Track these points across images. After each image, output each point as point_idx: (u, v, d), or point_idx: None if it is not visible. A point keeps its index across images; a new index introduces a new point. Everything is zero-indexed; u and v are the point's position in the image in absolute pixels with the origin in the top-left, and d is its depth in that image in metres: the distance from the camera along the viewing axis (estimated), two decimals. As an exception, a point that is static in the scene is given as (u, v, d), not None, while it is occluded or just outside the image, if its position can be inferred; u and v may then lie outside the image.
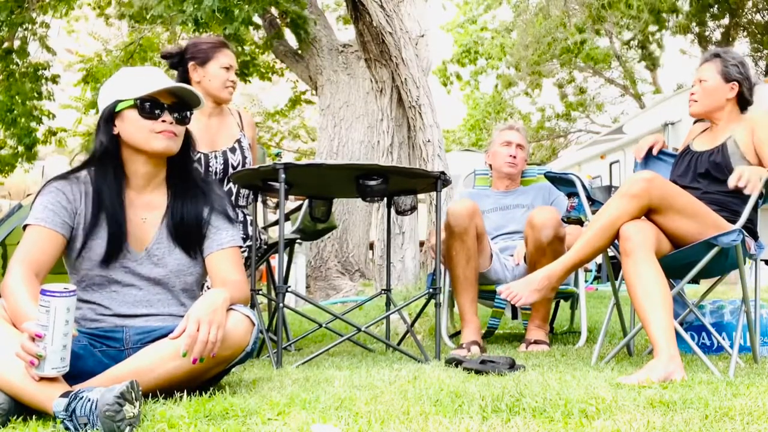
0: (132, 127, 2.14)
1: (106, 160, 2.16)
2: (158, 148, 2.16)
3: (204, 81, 3.26)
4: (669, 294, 2.51)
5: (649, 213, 2.64)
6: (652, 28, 14.18)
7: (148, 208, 2.22)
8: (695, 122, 3.16)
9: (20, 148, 10.39)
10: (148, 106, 2.13)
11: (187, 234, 2.22)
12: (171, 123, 2.16)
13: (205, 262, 2.25)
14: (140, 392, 1.70)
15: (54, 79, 9.87)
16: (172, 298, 2.21)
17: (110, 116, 2.16)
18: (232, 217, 2.30)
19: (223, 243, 2.25)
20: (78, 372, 1.91)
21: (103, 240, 2.14)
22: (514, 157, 3.85)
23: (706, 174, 2.90)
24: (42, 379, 1.74)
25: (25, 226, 2.11)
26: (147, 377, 1.91)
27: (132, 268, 2.18)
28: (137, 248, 2.19)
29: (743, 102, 2.99)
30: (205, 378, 2.05)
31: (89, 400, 1.65)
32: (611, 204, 2.64)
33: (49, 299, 1.72)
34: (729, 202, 2.78)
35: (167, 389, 1.97)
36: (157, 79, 2.18)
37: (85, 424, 1.63)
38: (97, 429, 1.62)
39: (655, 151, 3.21)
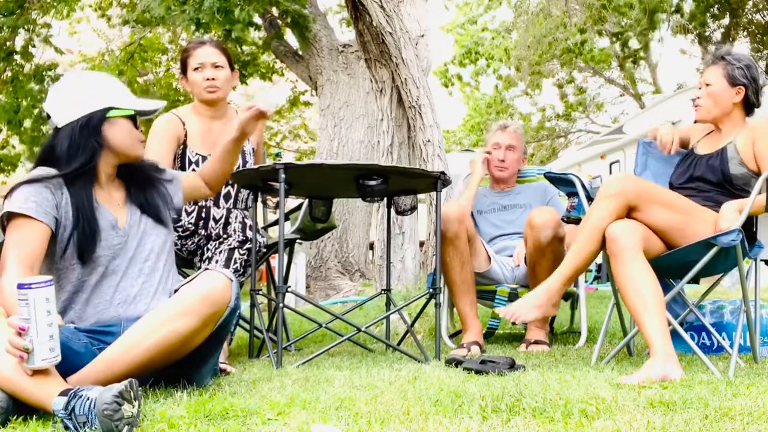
0: (124, 134, 2.28)
1: (87, 161, 2.21)
2: (140, 154, 2.37)
3: (192, 90, 3.25)
4: (660, 292, 2.51)
5: (632, 213, 2.64)
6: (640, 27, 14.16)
7: (116, 198, 2.33)
8: (696, 122, 3.14)
9: (21, 148, 10.41)
10: (136, 120, 2.32)
11: (157, 205, 2.38)
12: (143, 130, 2.36)
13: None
14: (139, 391, 1.70)
15: (57, 79, 9.87)
16: (161, 282, 2.29)
17: (100, 121, 2.23)
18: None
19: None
20: (77, 369, 1.94)
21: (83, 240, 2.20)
22: (503, 160, 3.83)
23: (701, 177, 2.90)
24: (35, 373, 1.75)
25: (7, 216, 2.09)
26: (138, 350, 1.96)
27: (125, 243, 2.26)
28: (122, 225, 2.29)
29: (749, 105, 2.95)
30: (195, 343, 2.07)
31: (88, 399, 1.65)
32: (593, 209, 2.67)
33: (26, 292, 1.73)
34: (724, 201, 2.78)
35: (161, 362, 2.01)
36: (126, 92, 2.37)
37: (84, 423, 1.64)
38: (95, 428, 1.62)
39: (674, 150, 3.09)
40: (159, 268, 2.31)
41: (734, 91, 2.90)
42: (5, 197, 2.17)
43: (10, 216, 2.09)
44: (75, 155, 2.19)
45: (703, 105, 2.95)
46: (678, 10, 13.42)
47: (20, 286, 1.73)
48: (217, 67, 3.19)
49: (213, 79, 3.16)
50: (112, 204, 2.29)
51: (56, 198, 2.15)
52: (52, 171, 2.19)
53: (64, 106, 2.23)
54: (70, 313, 2.19)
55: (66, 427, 1.67)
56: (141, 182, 2.38)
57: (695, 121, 3.07)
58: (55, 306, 1.77)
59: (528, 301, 2.67)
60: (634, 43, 16.22)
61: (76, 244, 2.16)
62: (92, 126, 2.20)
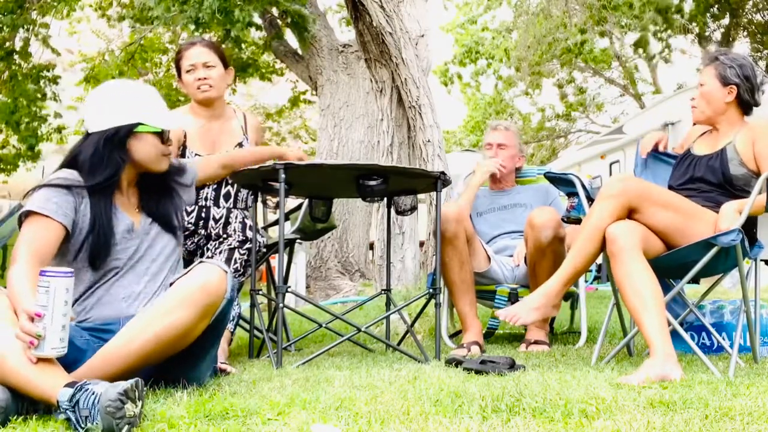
0: (149, 149, 2.33)
1: (111, 176, 2.25)
2: (164, 168, 2.39)
3: (187, 91, 3.25)
4: (660, 292, 2.51)
5: (632, 214, 2.64)
6: (655, 27, 14.15)
7: (134, 202, 2.38)
8: (694, 123, 3.15)
9: (22, 147, 10.42)
10: (165, 135, 2.35)
11: (168, 215, 2.41)
12: (171, 144, 2.40)
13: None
14: (144, 392, 1.71)
15: (55, 80, 9.87)
16: (164, 284, 2.32)
17: (127, 135, 2.28)
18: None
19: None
20: (79, 365, 1.96)
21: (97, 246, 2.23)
22: (495, 158, 3.83)
23: (701, 178, 2.90)
24: (39, 361, 1.76)
25: (25, 213, 2.12)
26: (136, 344, 1.98)
27: (137, 245, 2.30)
28: (137, 226, 2.33)
29: (745, 104, 2.94)
30: (193, 336, 2.08)
31: (93, 393, 1.66)
32: (593, 210, 2.67)
33: (48, 279, 1.76)
34: (724, 202, 2.78)
35: (159, 355, 2.03)
36: (166, 108, 2.40)
37: (86, 417, 1.64)
38: (96, 423, 1.62)
39: (661, 147, 3.19)
40: (165, 269, 2.35)
41: (726, 90, 2.90)
42: (25, 197, 2.21)
43: (28, 213, 2.12)
44: (98, 166, 2.23)
45: (697, 106, 2.97)
46: (679, 10, 13.41)
47: (43, 273, 1.77)
48: (208, 66, 3.18)
49: (205, 78, 3.15)
50: (129, 208, 2.34)
51: (76, 201, 2.19)
52: (75, 177, 2.22)
53: (97, 112, 2.29)
54: (75, 308, 2.21)
55: (67, 419, 1.68)
56: (156, 191, 2.42)
57: (694, 123, 3.07)
58: (71, 298, 1.81)
59: (527, 303, 2.67)
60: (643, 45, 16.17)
61: (89, 251, 2.20)
62: (118, 139, 2.26)
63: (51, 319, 1.75)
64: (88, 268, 2.22)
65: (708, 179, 2.87)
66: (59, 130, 10.83)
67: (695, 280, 2.99)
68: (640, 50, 16.31)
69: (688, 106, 3.03)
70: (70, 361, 1.90)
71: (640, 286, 2.48)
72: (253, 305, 3.11)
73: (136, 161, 2.31)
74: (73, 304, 2.20)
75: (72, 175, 2.22)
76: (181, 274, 2.16)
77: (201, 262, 2.15)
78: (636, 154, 3.29)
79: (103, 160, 2.24)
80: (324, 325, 3.21)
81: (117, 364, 1.97)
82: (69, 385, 1.72)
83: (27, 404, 1.79)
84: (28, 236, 2.09)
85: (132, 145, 2.29)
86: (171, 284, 2.17)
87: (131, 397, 1.64)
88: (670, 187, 3.00)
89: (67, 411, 1.67)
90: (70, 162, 2.28)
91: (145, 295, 2.26)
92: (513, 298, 3.45)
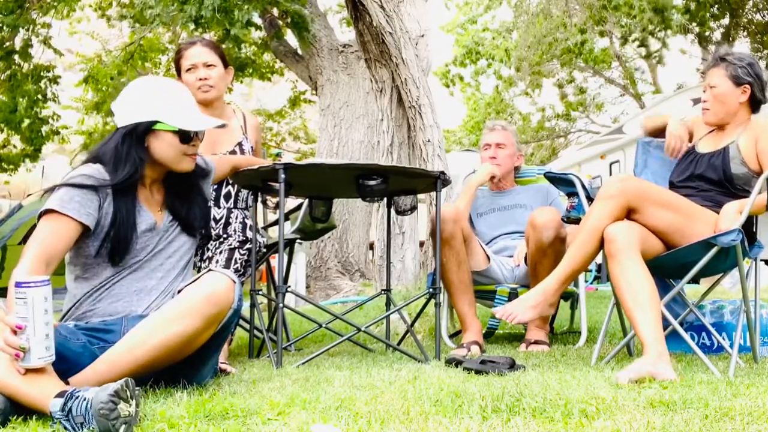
0: (167, 148, 2.28)
1: (132, 173, 2.23)
2: (186, 168, 2.34)
3: None
4: (656, 292, 2.51)
5: (632, 214, 2.64)
6: (651, 26, 14.16)
7: (158, 199, 2.36)
8: (706, 123, 3.12)
9: (22, 146, 10.43)
10: (188, 134, 2.29)
11: (191, 217, 2.39)
12: (196, 145, 2.33)
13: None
14: (136, 390, 1.70)
15: (55, 80, 9.87)
16: (174, 282, 2.31)
17: (145, 132, 2.25)
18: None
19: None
20: (77, 369, 1.95)
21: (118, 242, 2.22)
22: (494, 158, 3.84)
23: (701, 175, 2.90)
24: (28, 372, 1.75)
25: (45, 211, 2.10)
26: (141, 350, 1.97)
27: (156, 242, 2.30)
28: (159, 224, 2.32)
29: (756, 103, 2.93)
30: (199, 343, 2.09)
31: (84, 399, 1.65)
32: (592, 210, 2.67)
33: (25, 290, 1.73)
34: (724, 201, 2.78)
35: (163, 362, 2.03)
36: (195, 109, 2.35)
37: (82, 424, 1.64)
38: (92, 428, 1.62)
39: (683, 151, 3.10)
40: (178, 268, 2.35)
41: (740, 90, 2.89)
42: (46, 192, 2.19)
43: (48, 210, 2.09)
44: (119, 162, 2.21)
45: (710, 108, 2.93)
46: (688, 10, 13.41)
47: (18, 285, 1.74)
48: (209, 66, 3.17)
49: (205, 78, 3.15)
50: (153, 206, 2.32)
51: (100, 199, 2.17)
52: (100, 173, 2.19)
53: (122, 107, 2.28)
54: (84, 305, 2.21)
55: (65, 428, 1.67)
56: (182, 192, 2.40)
57: (705, 124, 3.04)
58: (51, 305, 1.78)
59: (524, 301, 2.67)
60: (637, 44, 16.19)
61: (109, 248, 2.19)
62: (136, 136, 2.24)
63: (33, 329, 1.73)
64: (107, 264, 2.21)
65: (708, 176, 2.87)
66: (57, 132, 10.82)
67: (695, 280, 2.98)
68: (638, 47, 16.31)
69: (688, 106, 3.02)
70: (66, 364, 1.90)
71: (636, 286, 2.48)
72: (253, 305, 3.11)
73: (156, 160, 2.28)
74: (86, 297, 2.21)
75: (97, 172, 2.19)
76: (190, 281, 2.15)
77: (210, 270, 2.14)
78: (636, 154, 3.29)
79: (123, 156, 2.21)
80: (324, 325, 3.21)
81: (120, 369, 1.96)
82: (59, 394, 1.71)
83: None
84: (41, 234, 2.06)
85: (150, 142, 2.26)
86: (179, 291, 2.16)
87: (123, 397, 1.64)
88: (671, 183, 3.00)
89: (62, 420, 1.67)
90: (97, 155, 2.26)
91: (156, 291, 2.26)
92: (513, 298, 3.45)
